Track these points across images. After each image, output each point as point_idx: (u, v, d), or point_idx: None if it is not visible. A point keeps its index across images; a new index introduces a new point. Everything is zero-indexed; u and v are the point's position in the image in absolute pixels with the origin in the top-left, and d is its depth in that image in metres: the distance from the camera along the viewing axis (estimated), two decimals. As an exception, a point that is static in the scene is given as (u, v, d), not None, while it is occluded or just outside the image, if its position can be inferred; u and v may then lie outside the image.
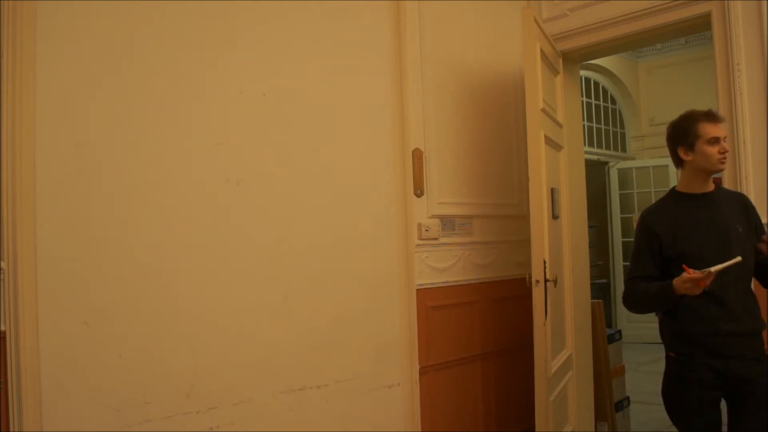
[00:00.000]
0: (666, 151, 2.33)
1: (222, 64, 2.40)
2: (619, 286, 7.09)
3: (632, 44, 3.63)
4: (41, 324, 1.94)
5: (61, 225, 2.01)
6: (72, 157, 2.04)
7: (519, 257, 3.46)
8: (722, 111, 2.81)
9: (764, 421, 2.08)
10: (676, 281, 2.04)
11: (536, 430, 2.82)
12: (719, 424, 2.18)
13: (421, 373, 2.94)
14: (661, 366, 2.31)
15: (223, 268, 2.36)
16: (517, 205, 3.51)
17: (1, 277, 1.92)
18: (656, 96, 7.23)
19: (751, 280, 2.18)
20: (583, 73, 6.60)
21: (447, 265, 3.12)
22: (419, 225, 2.99)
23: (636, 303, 2.25)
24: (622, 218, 7.18)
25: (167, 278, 2.22)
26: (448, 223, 3.14)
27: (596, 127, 7.02)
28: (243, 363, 2.38)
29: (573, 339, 3.43)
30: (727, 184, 2.79)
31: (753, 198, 2.68)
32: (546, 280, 2.85)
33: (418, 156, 2.99)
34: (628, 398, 4.07)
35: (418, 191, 2.99)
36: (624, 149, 7.45)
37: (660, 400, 2.28)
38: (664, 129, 2.32)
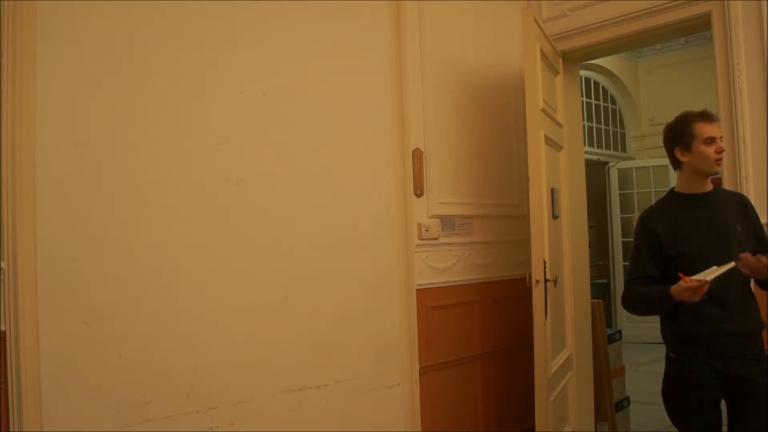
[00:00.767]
0: (666, 149, 2.32)
1: (222, 64, 2.40)
2: (619, 286, 7.08)
3: (632, 44, 3.63)
4: (41, 324, 1.94)
5: (61, 225, 2.01)
6: (72, 157, 2.04)
7: (519, 257, 3.46)
8: (722, 111, 2.82)
9: (764, 421, 2.08)
10: (673, 289, 2.04)
11: (536, 430, 2.82)
12: (719, 424, 2.18)
13: (421, 373, 2.94)
14: (661, 366, 2.31)
15: (223, 268, 2.36)
16: (517, 205, 3.51)
17: (1, 277, 1.92)
18: (656, 96, 7.23)
19: (750, 280, 2.18)
20: (583, 73, 6.60)
21: (447, 265, 3.12)
22: (419, 225, 2.99)
23: (635, 306, 2.25)
24: (622, 218, 7.18)
25: (167, 278, 2.22)
26: (448, 223, 3.14)
27: (596, 127, 7.02)
28: (243, 363, 2.38)
29: (573, 339, 3.43)
30: (727, 184, 2.79)
31: (753, 198, 2.68)
32: (546, 280, 2.85)
33: (418, 156, 2.99)
34: (628, 398, 4.07)
35: (418, 191, 2.99)
36: (624, 149, 7.45)
37: (660, 400, 2.28)
38: (663, 129, 2.32)
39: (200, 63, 2.34)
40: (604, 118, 7.16)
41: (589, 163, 4.77)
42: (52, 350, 1.96)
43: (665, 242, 2.18)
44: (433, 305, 3.03)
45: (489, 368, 3.31)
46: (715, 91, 2.87)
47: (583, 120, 5.94)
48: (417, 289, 2.95)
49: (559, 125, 3.42)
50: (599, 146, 7.04)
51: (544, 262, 2.85)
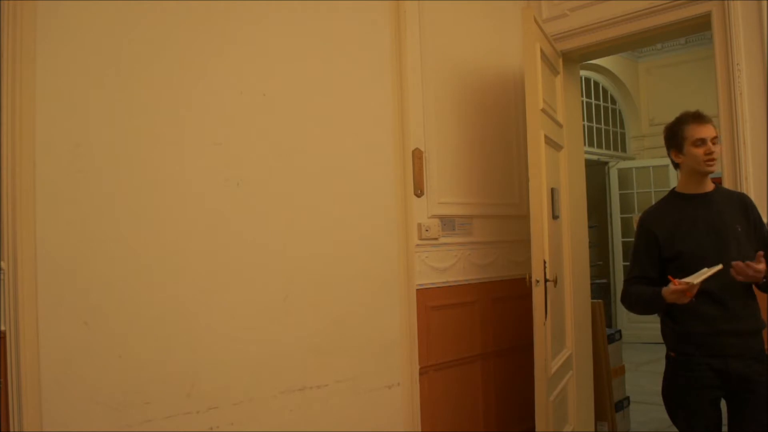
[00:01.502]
0: (666, 150, 2.36)
1: (222, 65, 2.40)
2: (619, 286, 7.08)
3: (632, 44, 3.63)
4: (41, 324, 1.94)
5: (61, 225, 2.01)
6: (72, 157, 2.04)
7: (519, 257, 3.46)
8: (722, 111, 2.82)
9: (765, 421, 2.08)
10: (664, 290, 2.07)
11: (536, 430, 2.82)
12: (719, 424, 2.18)
13: (421, 373, 2.94)
14: (661, 366, 2.32)
15: (223, 268, 2.36)
16: (517, 205, 3.51)
17: (1, 277, 1.92)
18: (656, 96, 7.23)
19: None
20: (583, 73, 6.60)
21: (447, 265, 3.12)
22: (419, 225, 2.99)
23: (632, 305, 2.28)
24: (622, 218, 7.18)
25: (167, 278, 2.22)
26: (448, 223, 3.14)
27: (596, 127, 7.02)
28: (243, 363, 2.38)
29: (573, 339, 3.43)
30: (726, 184, 2.79)
31: (753, 198, 2.68)
32: (546, 280, 2.85)
33: (418, 156, 2.99)
34: (628, 398, 4.07)
35: (418, 191, 2.99)
36: (624, 149, 7.45)
37: (660, 400, 2.29)
38: (663, 129, 2.35)
39: (200, 63, 2.34)
40: (604, 118, 7.16)
41: (589, 163, 4.77)
42: (52, 350, 1.96)
43: (663, 243, 2.20)
44: (433, 305, 3.03)
45: (489, 368, 3.31)
46: (715, 91, 2.87)
47: (583, 120, 5.94)
48: (417, 289, 2.95)
49: (559, 125, 3.42)
50: (599, 146, 7.04)
51: (544, 262, 2.86)
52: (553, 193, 3.14)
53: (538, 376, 2.82)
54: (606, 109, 7.23)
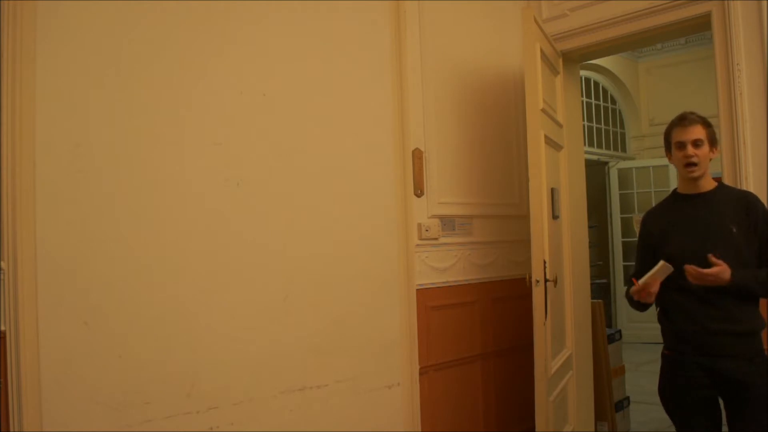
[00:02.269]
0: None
1: (222, 65, 2.40)
2: (619, 286, 7.09)
3: (632, 44, 3.63)
4: (41, 324, 1.94)
5: (61, 225, 2.01)
6: (72, 157, 2.04)
7: (519, 257, 3.46)
8: (722, 111, 2.82)
9: (765, 422, 2.05)
10: (632, 290, 2.19)
11: (536, 430, 2.82)
12: (718, 423, 2.19)
13: (421, 373, 2.94)
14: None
15: (223, 268, 2.36)
16: (517, 205, 3.51)
17: (1, 277, 1.92)
18: (656, 96, 7.23)
19: None
20: (583, 73, 6.60)
21: (447, 265, 3.12)
22: (419, 225, 2.99)
23: (629, 302, 2.35)
24: (622, 218, 7.18)
25: (167, 278, 2.22)
26: (448, 223, 3.14)
27: (596, 127, 7.02)
28: (243, 363, 2.38)
29: (573, 339, 3.43)
30: (726, 184, 2.78)
31: (753, 198, 2.68)
32: (546, 280, 2.85)
33: (418, 156, 2.99)
34: (628, 398, 4.07)
35: (418, 191, 2.99)
36: (624, 149, 7.45)
37: (660, 400, 2.30)
38: (664, 129, 2.36)
39: (200, 63, 2.34)
40: (604, 118, 7.16)
41: (589, 163, 4.77)
42: (52, 350, 1.96)
43: (658, 242, 2.26)
44: (434, 305, 3.03)
45: (489, 368, 3.31)
46: (715, 91, 2.87)
47: (583, 120, 5.94)
48: (417, 289, 2.95)
49: (559, 125, 3.42)
50: (599, 146, 7.04)
51: (544, 262, 2.85)
52: (553, 193, 3.14)
53: (538, 376, 2.82)
54: (606, 109, 7.23)
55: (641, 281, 2.12)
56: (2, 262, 1.92)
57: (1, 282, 1.92)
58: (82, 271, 2.05)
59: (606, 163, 7.20)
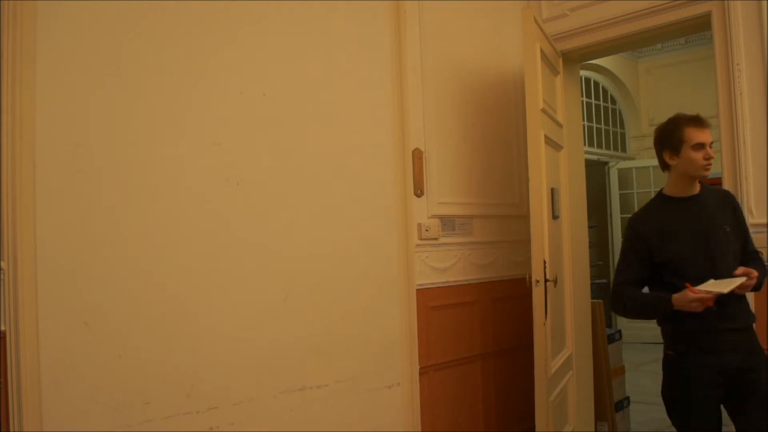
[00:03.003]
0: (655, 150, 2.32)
1: (222, 64, 2.40)
2: (619, 286, 7.06)
3: (632, 44, 3.63)
4: (41, 324, 1.94)
5: (61, 225, 2.01)
6: (72, 157, 2.04)
7: (519, 257, 3.46)
8: (722, 111, 2.82)
9: (761, 406, 2.09)
10: (676, 297, 2.06)
11: (536, 430, 2.82)
12: (719, 425, 2.18)
13: (421, 373, 2.94)
14: (661, 366, 2.32)
15: (223, 268, 2.36)
16: (517, 205, 3.51)
17: (1, 277, 1.92)
18: (656, 96, 7.23)
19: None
20: (583, 73, 6.60)
21: (447, 265, 3.12)
22: (419, 225, 2.99)
23: (629, 310, 2.27)
24: (622, 218, 7.17)
25: (167, 278, 2.22)
26: (448, 223, 3.14)
27: (596, 127, 7.02)
28: (243, 363, 2.38)
29: (573, 339, 3.43)
30: (726, 184, 2.79)
31: (753, 198, 2.69)
32: (546, 280, 2.85)
33: (418, 156, 2.99)
34: (628, 398, 4.07)
35: (418, 191, 2.99)
36: (624, 149, 7.45)
37: (660, 400, 2.28)
38: (655, 130, 2.33)
39: (200, 63, 2.34)
40: (604, 118, 7.16)
41: (589, 163, 4.77)
42: (52, 350, 1.96)
43: (654, 246, 2.19)
44: (434, 305, 3.03)
45: (489, 368, 3.31)
46: (715, 91, 2.87)
47: (583, 120, 5.94)
48: (417, 289, 2.95)
49: (559, 125, 3.42)
50: (599, 146, 7.04)
51: (544, 262, 2.85)
52: (553, 193, 3.14)
53: (538, 376, 2.82)
54: (606, 109, 7.23)
55: (713, 291, 2.00)
56: (2, 262, 1.92)
57: (1, 282, 1.92)
58: (82, 271, 2.05)
59: (606, 163, 7.20)
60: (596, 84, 7.10)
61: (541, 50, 3.02)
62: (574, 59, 3.64)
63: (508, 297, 3.38)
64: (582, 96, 5.60)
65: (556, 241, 3.18)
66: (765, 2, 2.71)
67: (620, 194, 7.20)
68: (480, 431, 3.25)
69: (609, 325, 5.37)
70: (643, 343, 6.30)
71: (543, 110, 2.99)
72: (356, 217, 2.77)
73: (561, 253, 3.34)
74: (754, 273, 2.07)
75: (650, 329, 5.00)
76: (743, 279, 2.03)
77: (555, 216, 3.19)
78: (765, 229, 2.65)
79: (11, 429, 1.89)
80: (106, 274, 2.09)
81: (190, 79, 2.31)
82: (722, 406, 2.20)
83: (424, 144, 3.02)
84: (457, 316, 3.16)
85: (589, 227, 3.89)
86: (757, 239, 2.65)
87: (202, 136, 2.34)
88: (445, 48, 3.17)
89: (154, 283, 2.19)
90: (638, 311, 2.25)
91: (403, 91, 2.95)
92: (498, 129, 3.45)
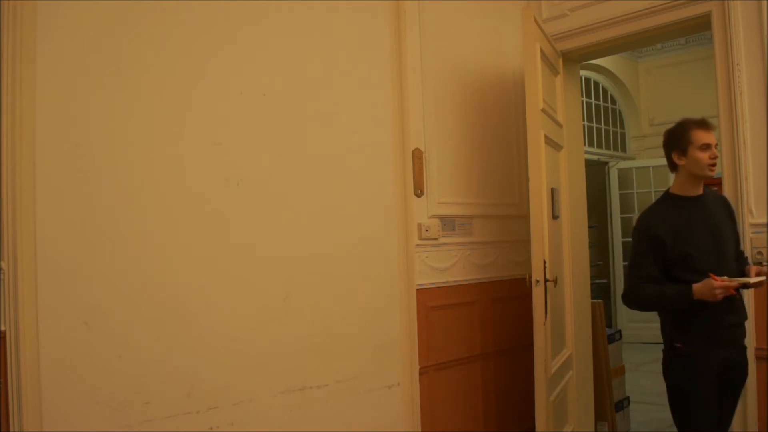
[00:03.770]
0: (664, 152, 2.43)
1: (222, 64, 2.40)
2: (619, 286, 7.08)
3: (632, 44, 3.63)
4: (41, 324, 1.94)
5: (61, 225, 2.01)
6: (72, 157, 2.04)
7: (519, 257, 3.46)
8: (722, 111, 2.82)
9: (738, 396, 2.38)
10: (697, 287, 2.16)
11: (536, 430, 2.82)
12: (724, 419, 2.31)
13: (421, 373, 2.94)
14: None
15: (223, 268, 2.36)
16: (517, 205, 3.51)
17: (1, 277, 1.92)
18: (656, 96, 7.23)
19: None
20: (583, 73, 6.59)
21: (447, 265, 3.12)
22: (419, 225, 2.99)
23: (645, 304, 2.36)
24: (622, 218, 7.17)
25: (167, 278, 2.22)
26: (448, 223, 3.14)
27: (596, 127, 7.02)
28: (243, 363, 2.38)
29: (573, 339, 3.42)
30: (726, 184, 2.79)
31: (753, 198, 2.70)
32: (546, 280, 2.85)
33: (418, 156, 2.99)
34: (628, 398, 4.07)
35: (418, 191, 2.99)
36: (624, 149, 7.45)
37: (660, 399, 2.32)
38: (664, 129, 2.44)
39: (200, 63, 2.34)
40: (604, 118, 7.16)
41: (589, 163, 4.77)
42: (52, 350, 1.96)
43: (668, 244, 2.27)
44: (433, 305, 3.03)
45: (489, 368, 3.31)
46: (715, 91, 2.87)
47: (583, 120, 5.94)
48: (417, 289, 2.95)
49: (559, 125, 3.42)
50: (599, 146, 7.04)
51: (544, 262, 2.85)
52: (553, 193, 3.14)
53: (538, 376, 2.82)
54: (606, 109, 7.23)
55: (738, 279, 2.17)
56: (2, 262, 1.92)
57: (1, 282, 1.92)
58: (82, 271, 2.05)
59: (606, 163, 7.20)
60: (596, 84, 7.10)
61: (541, 50, 3.02)
62: (574, 59, 3.64)
63: (508, 297, 3.38)
64: (582, 96, 5.60)
65: (556, 241, 3.18)
66: (765, 2, 2.71)
67: (620, 194, 7.20)
68: (480, 431, 3.25)
69: (609, 325, 5.38)
70: (643, 343, 6.30)
71: (543, 110, 2.99)
72: (356, 217, 2.77)
73: (561, 253, 3.34)
74: (765, 270, 2.26)
75: (650, 329, 5.00)
76: (763, 278, 2.21)
77: (555, 216, 3.19)
78: (765, 229, 2.65)
79: (11, 429, 1.89)
80: (106, 274, 2.09)
81: (190, 79, 2.31)
82: None
83: (424, 144, 3.02)
84: (457, 316, 3.16)
85: (589, 227, 3.89)
86: (757, 239, 2.65)
87: (202, 136, 2.34)
88: (445, 48, 3.17)
89: (154, 283, 2.19)
90: (658, 305, 2.32)
91: (403, 91, 2.95)
92: (498, 129, 3.45)
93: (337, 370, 2.66)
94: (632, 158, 7.36)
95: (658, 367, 2.36)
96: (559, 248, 3.29)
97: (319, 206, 2.64)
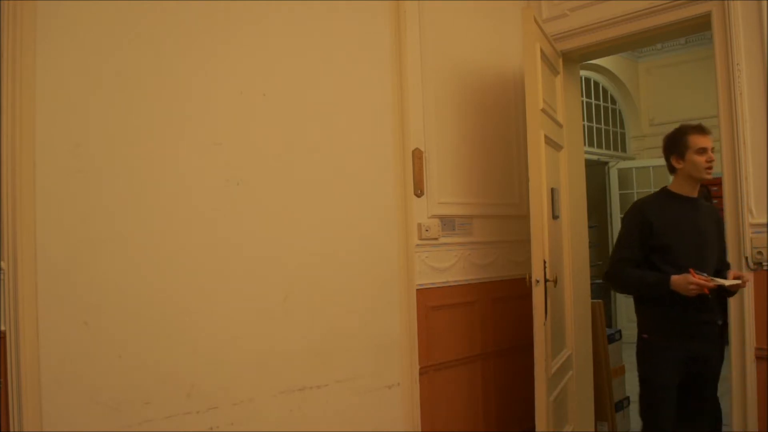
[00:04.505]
0: (664, 155, 2.57)
1: (222, 65, 2.40)
2: (619, 286, 7.06)
3: (632, 44, 3.63)
4: (41, 324, 1.95)
5: (61, 225, 2.01)
6: (72, 157, 2.04)
7: (519, 257, 3.46)
8: (722, 111, 2.82)
9: (715, 387, 2.51)
10: (675, 278, 2.31)
11: (536, 430, 2.82)
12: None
13: (421, 373, 2.94)
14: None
15: (223, 268, 2.36)
16: (517, 205, 3.51)
17: (1, 278, 1.92)
18: (656, 96, 7.22)
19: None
20: (583, 73, 6.59)
21: (447, 265, 3.12)
22: (419, 225, 2.99)
23: (625, 285, 2.58)
24: (622, 218, 7.15)
25: (167, 278, 2.22)
26: (448, 223, 3.14)
27: (596, 127, 7.01)
28: (243, 363, 2.38)
29: (573, 339, 3.43)
30: (726, 184, 2.79)
31: (753, 198, 2.70)
32: (546, 280, 2.85)
33: (418, 156, 2.99)
34: (628, 398, 4.07)
35: (418, 191, 2.99)
36: (624, 149, 7.45)
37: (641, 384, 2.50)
38: (664, 129, 2.51)
39: (200, 63, 2.34)
40: (604, 118, 7.15)
41: (589, 163, 4.77)
42: (52, 350, 1.96)
43: (656, 231, 2.42)
44: (433, 305, 3.03)
45: (489, 368, 3.31)
46: (715, 91, 2.87)
47: (583, 120, 5.94)
48: (417, 289, 2.95)
49: (559, 125, 3.42)
50: (599, 146, 7.03)
51: (544, 262, 2.85)
52: (553, 193, 3.14)
53: (538, 376, 2.82)
54: (606, 109, 7.22)
55: (715, 280, 2.27)
56: (2, 262, 1.92)
57: (1, 282, 1.92)
58: (82, 271, 2.05)
59: (606, 163, 7.19)
60: (596, 84, 7.09)
61: (541, 50, 3.02)
62: (574, 59, 3.64)
63: (508, 297, 3.38)
64: (582, 96, 5.60)
65: (556, 241, 3.19)
66: (765, 2, 2.71)
67: (620, 194, 7.19)
68: (480, 431, 3.25)
69: (609, 325, 5.38)
70: (643, 343, 6.28)
71: (543, 110, 2.99)
72: (356, 218, 2.77)
73: (561, 253, 3.35)
74: (747, 276, 2.39)
75: (650, 329, 4.99)
76: (739, 282, 2.33)
77: (555, 216, 3.19)
78: (765, 229, 2.65)
79: (11, 429, 1.89)
80: (106, 275, 2.09)
81: (190, 79, 2.31)
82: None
83: (424, 144, 3.02)
84: (457, 316, 3.16)
85: (589, 227, 3.89)
86: (757, 239, 2.65)
87: (202, 136, 2.34)
88: (445, 48, 3.17)
89: (154, 283, 2.19)
90: (636, 288, 2.50)
91: (403, 91, 2.95)
92: (498, 129, 3.45)
93: (337, 370, 2.66)
94: (632, 158, 7.36)
95: (658, 368, 2.39)
96: (559, 248, 3.29)
97: (319, 206, 2.64)
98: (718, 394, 2.57)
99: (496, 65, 3.45)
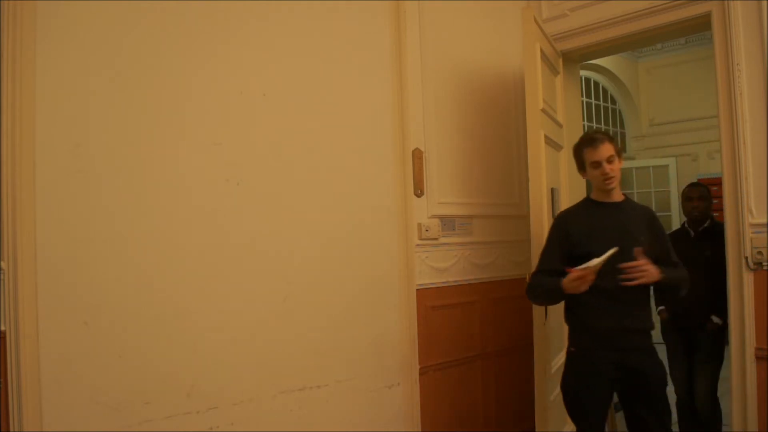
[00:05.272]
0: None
1: (222, 65, 2.40)
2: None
3: (632, 44, 3.63)
4: (41, 324, 1.95)
5: (61, 225, 2.01)
6: (72, 157, 2.04)
7: (519, 257, 3.46)
8: (722, 111, 2.82)
9: (659, 408, 2.30)
10: (564, 281, 2.25)
11: (536, 430, 2.82)
12: (606, 414, 2.40)
13: (421, 373, 2.94)
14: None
15: (223, 268, 2.36)
16: (517, 205, 3.51)
17: (1, 277, 1.92)
18: (656, 96, 7.22)
19: (649, 285, 2.32)
20: (583, 73, 6.59)
21: (447, 265, 3.12)
22: (419, 225, 2.99)
23: (536, 296, 2.50)
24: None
25: (167, 278, 2.22)
26: (448, 223, 3.14)
27: (596, 127, 7.01)
28: (243, 363, 2.38)
29: (573, 339, 3.42)
30: (726, 184, 2.79)
31: (753, 198, 2.70)
32: (546, 280, 2.84)
33: (418, 156, 2.99)
34: (628, 398, 4.06)
35: (418, 191, 2.99)
36: (624, 149, 7.45)
37: (563, 397, 2.43)
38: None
39: (200, 63, 2.34)
40: (604, 118, 7.16)
41: (589, 163, 4.76)
42: (52, 350, 1.96)
43: (576, 242, 2.37)
44: (433, 305, 3.03)
45: (489, 368, 3.31)
46: (715, 91, 2.87)
47: (583, 120, 5.94)
48: (417, 289, 2.95)
49: (559, 125, 3.42)
50: (599, 146, 7.02)
51: (544, 262, 2.85)
52: (553, 193, 3.14)
53: (538, 376, 2.82)
54: (606, 109, 7.22)
55: (586, 266, 2.16)
56: (2, 262, 1.92)
57: (1, 282, 1.92)
58: (82, 270, 2.05)
59: (606, 163, 7.19)
60: (596, 84, 7.10)
61: (541, 50, 3.02)
62: (574, 59, 3.64)
63: (508, 297, 3.38)
64: (582, 96, 5.60)
65: (556, 241, 3.18)
66: (765, 2, 2.71)
67: (620, 194, 7.19)
68: (480, 431, 3.25)
69: (609, 325, 5.37)
70: (643, 343, 6.29)
71: (543, 110, 2.99)
72: (356, 218, 2.77)
73: (561, 253, 3.34)
74: (645, 261, 2.22)
75: (650, 329, 4.99)
76: (613, 250, 2.18)
77: (555, 216, 3.19)
78: (765, 229, 2.65)
79: (11, 429, 1.89)
80: (106, 274, 2.09)
81: (190, 79, 2.32)
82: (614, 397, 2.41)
83: (424, 144, 3.02)
84: (457, 316, 3.16)
85: (589, 227, 3.88)
86: (757, 239, 2.65)
87: (201, 136, 2.34)
88: (445, 48, 3.17)
89: (154, 283, 2.19)
90: (541, 295, 2.47)
91: (403, 91, 2.95)
92: (498, 129, 3.45)
93: (337, 370, 2.66)
94: (632, 158, 7.35)
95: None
96: (559, 248, 3.28)
97: (318, 206, 2.64)
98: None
99: (496, 65, 3.45)
